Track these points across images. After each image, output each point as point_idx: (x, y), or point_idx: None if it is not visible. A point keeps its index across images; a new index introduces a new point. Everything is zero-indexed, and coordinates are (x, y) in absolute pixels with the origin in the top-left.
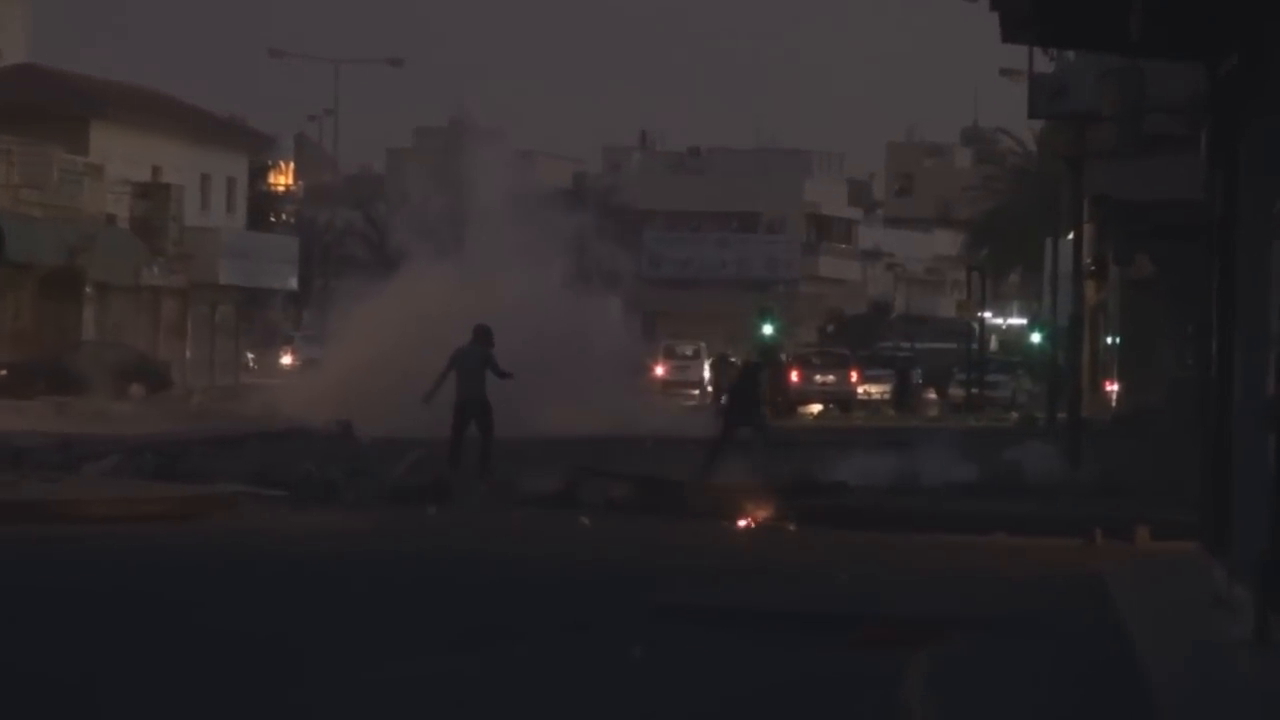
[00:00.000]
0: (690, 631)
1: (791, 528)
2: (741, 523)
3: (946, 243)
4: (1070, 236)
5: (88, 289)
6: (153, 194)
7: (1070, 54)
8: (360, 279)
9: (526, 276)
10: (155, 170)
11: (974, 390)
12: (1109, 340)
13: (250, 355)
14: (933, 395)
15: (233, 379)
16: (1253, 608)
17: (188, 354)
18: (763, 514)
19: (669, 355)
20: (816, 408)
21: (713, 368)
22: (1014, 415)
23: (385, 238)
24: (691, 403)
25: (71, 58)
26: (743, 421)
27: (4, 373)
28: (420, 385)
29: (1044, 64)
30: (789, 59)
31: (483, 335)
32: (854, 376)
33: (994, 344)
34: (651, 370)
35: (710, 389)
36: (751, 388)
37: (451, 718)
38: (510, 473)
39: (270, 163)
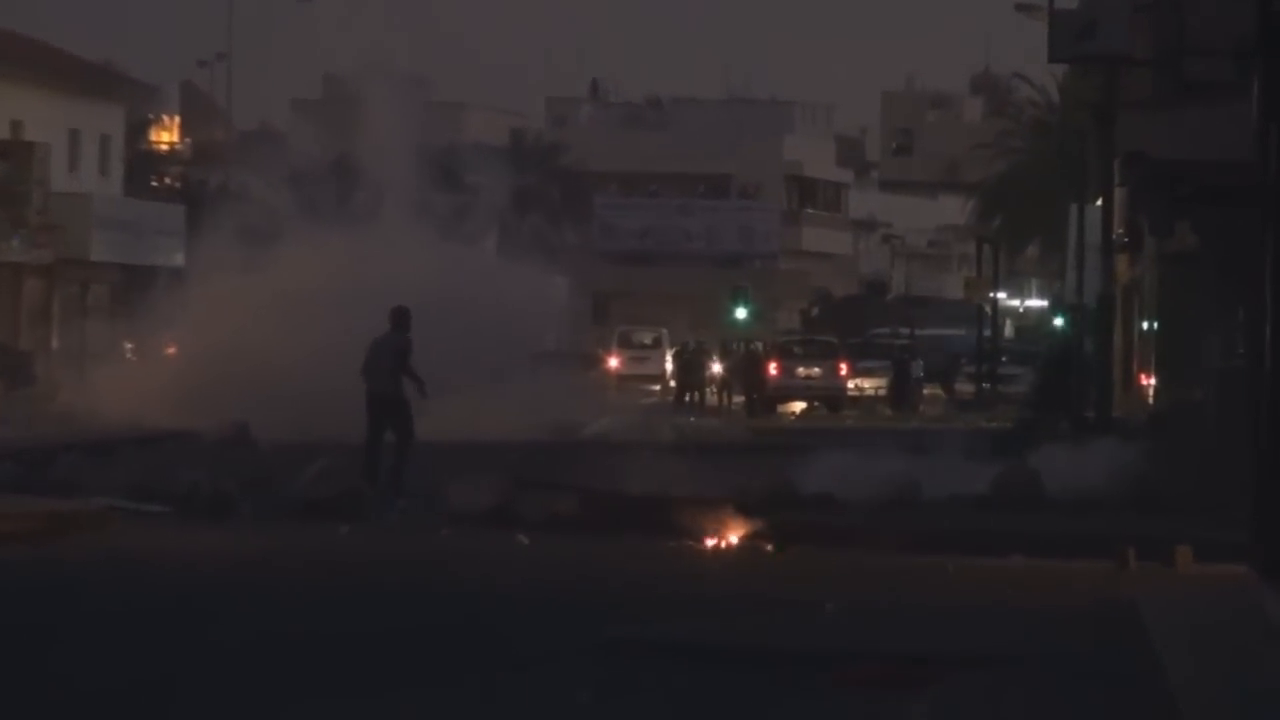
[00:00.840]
0: (646, 670)
1: (768, 548)
2: (709, 542)
3: (953, 210)
4: (1099, 202)
5: None
6: (12, 153)
7: None
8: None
9: (449, 251)
10: (14, 126)
11: (985, 385)
12: (1144, 325)
13: (129, 344)
14: (936, 391)
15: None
16: None
17: (54, 343)
18: (734, 532)
19: (624, 344)
20: (799, 406)
21: (675, 359)
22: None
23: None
24: (651, 400)
25: None
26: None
27: None
28: (273, 376)
29: None
30: None
31: (398, 320)
32: (843, 369)
33: (1009, 330)
34: (604, 362)
35: (673, 384)
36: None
37: None
38: (435, 484)
39: (152, 117)
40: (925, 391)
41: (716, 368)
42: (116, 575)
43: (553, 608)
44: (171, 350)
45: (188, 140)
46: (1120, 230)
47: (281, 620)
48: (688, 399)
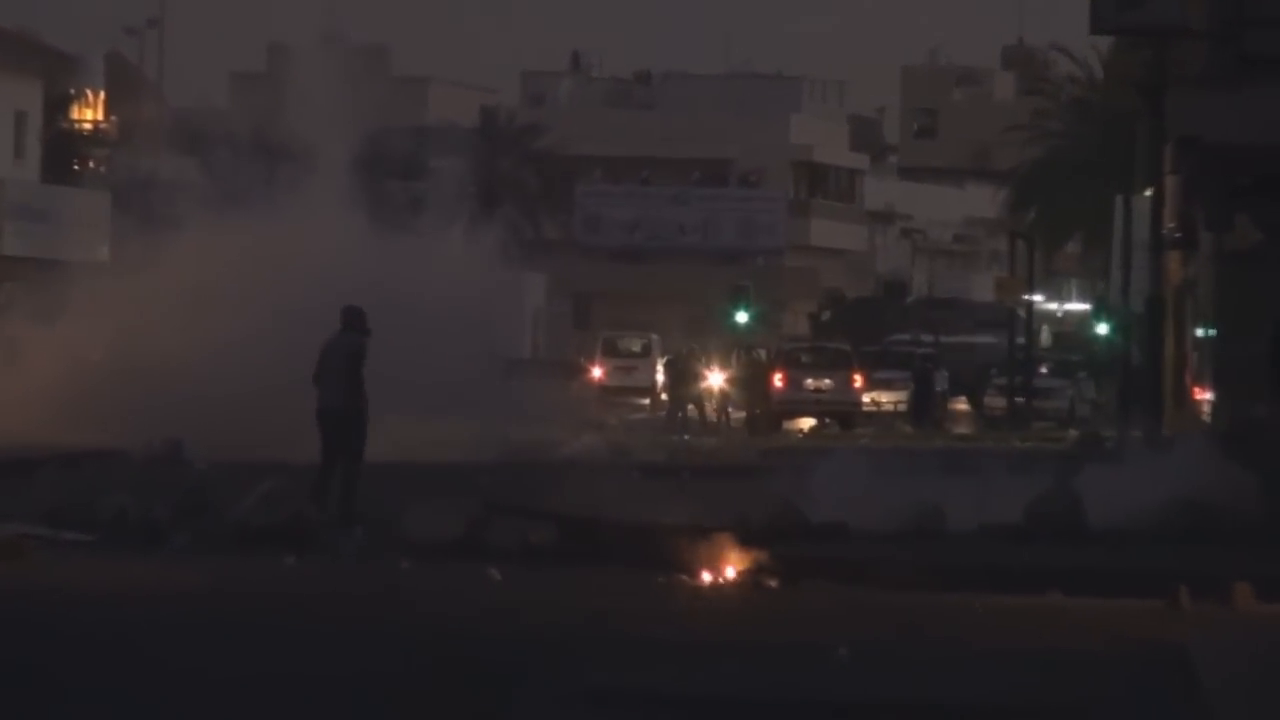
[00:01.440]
0: None
1: (772, 584)
2: (705, 577)
3: (982, 201)
4: (1148, 193)
5: None
6: None
7: None
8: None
9: (404, 243)
10: None
11: (1019, 399)
12: (1199, 332)
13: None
14: (963, 405)
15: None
16: None
17: None
18: (733, 565)
19: (610, 352)
20: (808, 423)
21: (667, 369)
22: (1073, 433)
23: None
24: (639, 415)
25: None
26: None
27: None
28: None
29: None
30: None
31: (350, 319)
32: (858, 381)
33: (1045, 337)
34: (586, 372)
35: (664, 396)
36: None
37: None
38: (392, 510)
39: (73, 92)
40: (951, 406)
41: (714, 379)
42: (28, 614)
43: (527, 651)
44: (95, 357)
45: (114, 119)
46: (1172, 224)
47: (217, 664)
48: (681, 414)
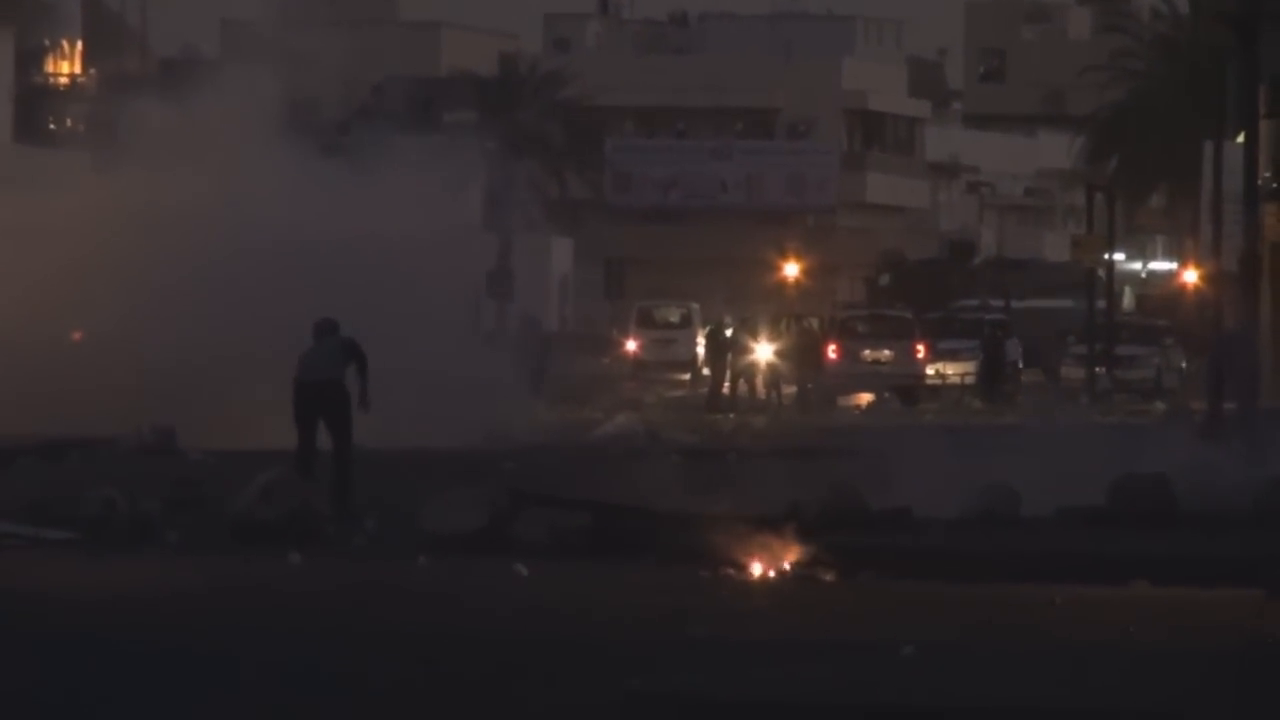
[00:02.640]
0: None
1: (828, 578)
2: (754, 570)
3: (1057, 151)
4: (1240, 139)
5: None
6: None
7: None
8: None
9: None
10: None
11: (1099, 369)
12: None
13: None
14: (1038, 377)
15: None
16: None
17: None
18: (785, 557)
19: (645, 323)
20: (866, 398)
21: (708, 340)
22: (1159, 406)
23: None
24: (678, 391)
25: None
26: None
27: None
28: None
29: None
30: None
31: (327, 331)
32: (920, 351)
33: (1128, 299)
34: (620, 345)
35: (706, 371)
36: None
37: None
38: (408, 500)
39: (48, 43)
40: (1023, 378)
41: (762, 351)
42: (14, 617)
43: (559, 653)
44: (77, 336)
45: (93, 71)
46: (1268, 174)
47: (218, 674)
48: (724, 390)
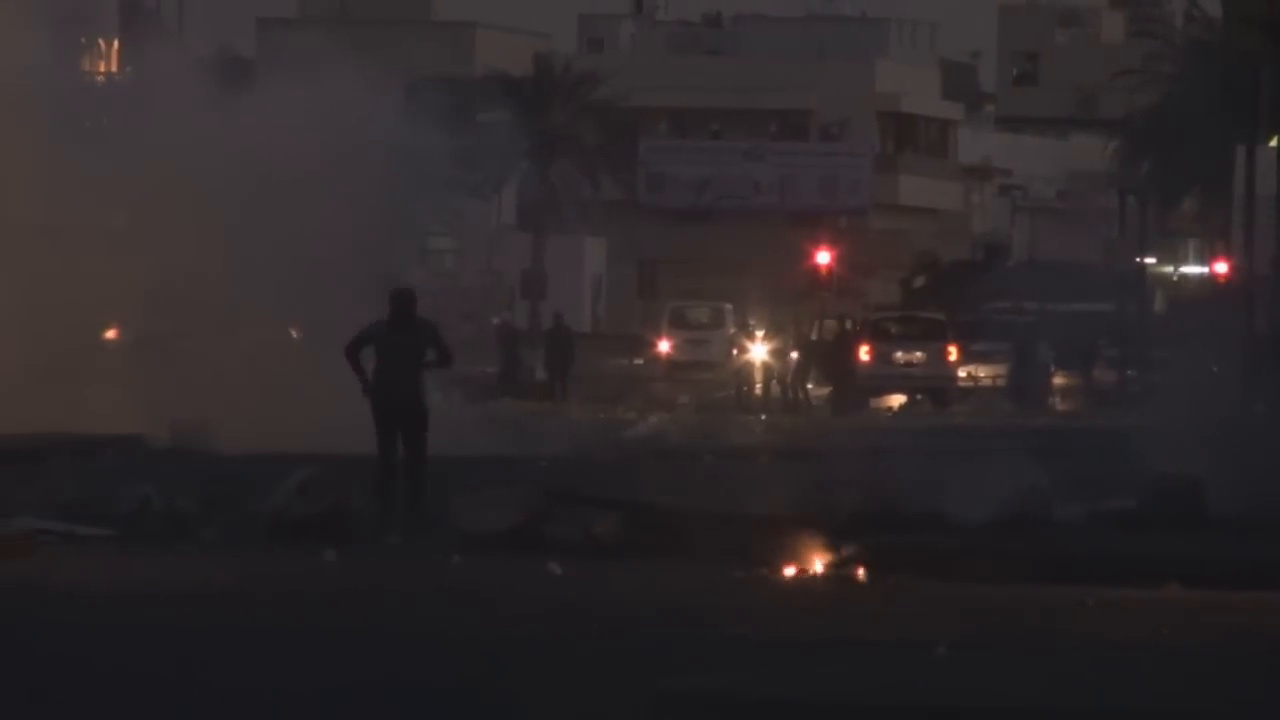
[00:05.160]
0: None
1: (861, 578)
2: (787, 571)
3: (1089, 154)
4: (1274, 143)
5: None
6: None
7: None
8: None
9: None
10: None
11: (1132, 373)
12: None
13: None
14: (1070, 380)
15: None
16: None
17: None
18: (818, 558)
19: (677, 323)
20: (898, 400)
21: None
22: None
23: None
24: (718, 394)
25: None
26: None
27: None
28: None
29: None
30: None
31: (405, 303)
32: (953, 353)
33: (1160, 303)
34: (652, 346)
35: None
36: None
37: None
38: (442, 500)
39: (84, 41)
40: (1056, 381)
41: (756, 351)
42: (42, 617)
43: (592, 654)
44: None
45: (129, 70)
46: None
47: (256, 674)
48: (758, 391)
